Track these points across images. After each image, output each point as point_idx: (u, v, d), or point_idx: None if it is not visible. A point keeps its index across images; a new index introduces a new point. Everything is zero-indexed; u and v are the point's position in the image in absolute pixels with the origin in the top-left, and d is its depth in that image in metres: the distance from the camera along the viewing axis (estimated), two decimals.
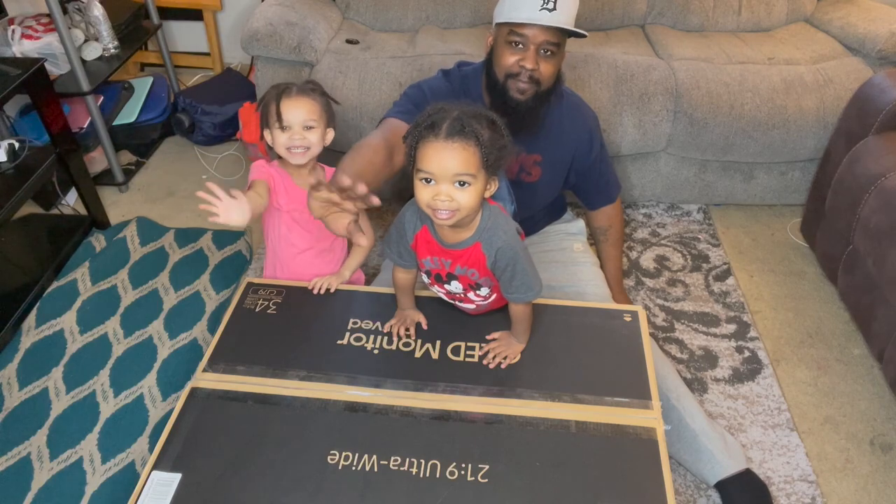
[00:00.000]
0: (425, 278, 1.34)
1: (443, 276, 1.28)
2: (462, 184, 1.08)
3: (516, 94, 1.41)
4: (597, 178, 1.69)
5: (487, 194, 1.14)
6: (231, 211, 1.23)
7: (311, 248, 1.56)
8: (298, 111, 1.41)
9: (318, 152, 1.47)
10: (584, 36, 1.40)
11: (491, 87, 1.46)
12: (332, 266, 1.58)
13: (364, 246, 1.53)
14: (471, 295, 1.31)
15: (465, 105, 1.11)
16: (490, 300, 1.32)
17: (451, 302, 1.36)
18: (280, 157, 1.49)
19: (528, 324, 1.29)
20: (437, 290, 1.35)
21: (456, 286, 1.29)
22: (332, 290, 1.45)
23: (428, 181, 1.09)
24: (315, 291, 1.45)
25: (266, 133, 1.47)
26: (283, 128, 1.41)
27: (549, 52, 1.38)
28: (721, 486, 1.42)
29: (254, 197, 1.40)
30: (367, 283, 1.69)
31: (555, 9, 1.33)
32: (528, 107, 1.42)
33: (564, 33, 1.37)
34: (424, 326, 1.36)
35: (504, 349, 1.29)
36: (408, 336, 1.34)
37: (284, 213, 1.51)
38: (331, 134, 1.49)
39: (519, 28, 1.35)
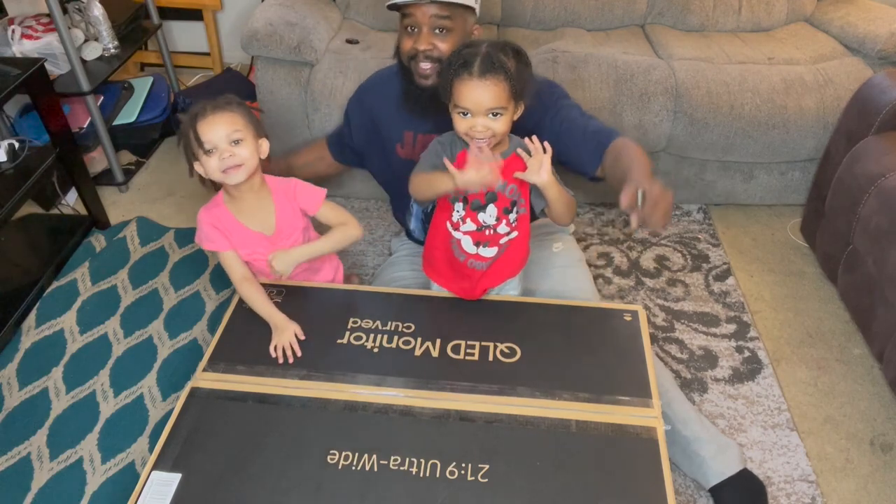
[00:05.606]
0: (458, 213, 1.34)
1: (481, 200, 1.32)
2: (495, 115, 1.21)
3: (420, 79, 1.45)
4: (578, 137, 1.47)
5: (516, 117, 1.27)
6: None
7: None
8: (218, 127, 1.30)
9: (256, 166, 1.37)
10: (472, 9, 1.41)
11: (402, 74, 1.51)
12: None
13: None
14: (501, 227, 1.33)
15: (492, 40, 1.25)
16: (512, 237, 1.34)
17: (474, 250, 1.36)
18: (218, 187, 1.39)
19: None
20: (465, 234, 1.35)
21: (491, 212, 1.32)
22: (295, 349, 1.32)
23: (465, 114, 1.23)
24: (277, 356, 1.32)
25: (197, 167, 1.36)
26: (207, 152, 1.31)
27: (443, 30, 1.41)
28: (715, 491, 1.42)
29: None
30: (367, 283, 1.69)
31: None
32: (435, 88, 1.38)
33: (455, 6, 1.39)
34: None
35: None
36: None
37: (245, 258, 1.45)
38: (265, 144, 1.39)
39: (405, 9, 1.40)
